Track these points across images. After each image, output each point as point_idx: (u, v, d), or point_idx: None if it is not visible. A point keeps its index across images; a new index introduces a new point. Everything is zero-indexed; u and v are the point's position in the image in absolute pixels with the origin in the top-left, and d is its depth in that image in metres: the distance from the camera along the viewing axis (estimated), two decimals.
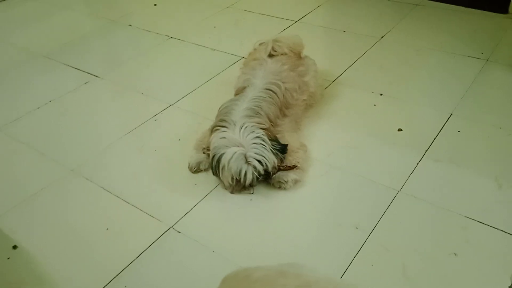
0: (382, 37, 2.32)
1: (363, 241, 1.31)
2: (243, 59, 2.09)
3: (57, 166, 1.68)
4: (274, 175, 1.48)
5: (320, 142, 1.67)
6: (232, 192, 1.49)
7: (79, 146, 1.77)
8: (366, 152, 1.62)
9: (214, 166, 1.46)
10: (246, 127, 1.45)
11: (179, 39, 2.48)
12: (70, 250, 1.37)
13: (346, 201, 1.45)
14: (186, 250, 1.33)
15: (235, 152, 1.41)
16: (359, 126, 1.74)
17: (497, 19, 2.39)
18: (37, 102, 2.05)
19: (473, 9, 2.48)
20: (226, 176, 1.45)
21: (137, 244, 1.36)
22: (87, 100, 2.06)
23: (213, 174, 1.49)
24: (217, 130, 1.49)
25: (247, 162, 1.41)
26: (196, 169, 1.58)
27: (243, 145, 1.42)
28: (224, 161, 1.42)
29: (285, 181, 1.48)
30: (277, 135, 1.53)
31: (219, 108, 1.60)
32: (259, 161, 1.41)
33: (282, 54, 1.76)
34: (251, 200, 1.48)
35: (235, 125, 1.46)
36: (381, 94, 1.90)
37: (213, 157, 1.45)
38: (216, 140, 1.46)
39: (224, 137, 1.45)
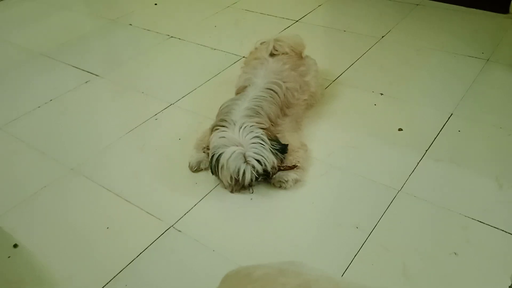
0: (382, 36, 2.32)
1: (363, 241, 1.31)
2: (244, 58, 2.09)
3: (57, 165, 1.68)
4: (274, 175, 1.48)
5: (321, 142, 1.67)
6: (231, 192, 1.49)
7: (80, 145, 1.77)
8: (366, 152, 1.62)
9: (213, 165, 1.46)
10: (246, 127, 1.45)
11: (179, 39, 2.48)
12: (71, 249, 1.37)
13: (347, 200, 1.45)
14: (186, 249, 1.33)
15: (234, 152, 1.41)
16: (360, 126, 1.74)
17: (498, 19, 2.39)
18: (37, 101, 2.05)
19: (474, 9, 2.48)
20: (225, 176, 1.45)
21: (138, 243, 1.36)
22: (87, 99, 2.06)
23: (212, 173, 1.49)
24: (217, 129, 1.49)
25: (246, 161, 1.41)
26: (196, 169, 1.58)
27: (242, 145, 1.42)
28: (223, 160, 1.42)
29: (285, 181, 1.48)
30: (277, 135, 1.53)
31: (220, 107, 1.60)
32: (258, 160, 1.41)
33: (283, 54, 1.76)
34: (251, 199, 1.48)
35: (234, 124, 1.46)
36: (382, 94, 1.90)
37: (212, 156, 1.45)
38: (215, 139, 1.46)
39: (224, 137, 1.45)
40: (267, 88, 1.59)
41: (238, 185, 1.47)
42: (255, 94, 1.57)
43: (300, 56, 1.81)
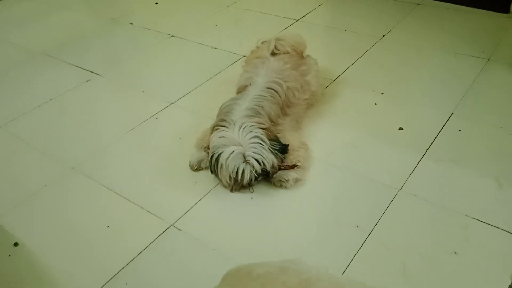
0: (383, 36, 2.32)
1: (363, 240, 1.31)
2: (244, 57, 2.09)
3: (57, 164, 1.68)
4: (274, 174, 1.48)
5: (321, 141, 1.67)
6: (231, 191, 1.50)
7: (80, 144, 1.78)
8: (366, 151, 1.62)
9: (213, 164, 1.46)
10: (245, 126, 1.45)
11: (180, 38, 2.48)
12: (71, 247, 1.37)
13: (347, 200, 1.45)
14: (186, 248, 1.34)
15: (233, 151, 1.41)
16: (360, 125, 1.74)
17: (498, 19, 2.39)
18: (37, 100, 2.05)
19: (474, 9, 2.48)
20: (224, 175, 1.45)
21: (138, 242, 1.36)
22: (87, 98, 2.06)
23: (212, 172, 1.49)
24: (217, 129, 1.49)
25: (245, 161, 1.42)
26: (196, 168, 1.58)
27: (242, 145, 1.42)
28: (222, 160, 1.43)
29: (285, 180, 1.48)
30: (277, 134, 1.53)
31: (220, 107, 1.60)
32: (257, 160, 1.41)
33: (284, 53, 1.76)
34: (251, 198, 1.48)
35: (234, 124, 1.46)
36: (382, 93, 1.90)
37: (212, 155, 1.46)
38: (215, 139, 1.46)
39: (223, 136, 1.45)
40: (268, 88, 1.59)
41: (238, 185, 1.47)
42: (256, 93, 1.57)
43: (301, 55, 1.81)
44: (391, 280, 1.21)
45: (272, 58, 1.73)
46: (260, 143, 1.43)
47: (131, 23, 2.69)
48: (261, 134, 1.44)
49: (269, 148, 1.44)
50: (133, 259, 1.31)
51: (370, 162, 1.57)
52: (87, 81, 2.17)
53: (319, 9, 2.66)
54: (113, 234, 1.40)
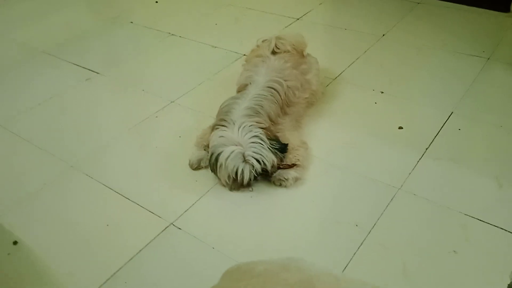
0: (383, 35, 2.32)
1: (362, 239, 1.31)
2: (244, 56, 2.09)
3: (57, 162, 1.68)
4: (274, 174, 1.48)
5: (321, 140, 1.67)
6: (230, 190, 1.50)
7: (80, 142, 1.78)
8: (366, 150, 1.62)
9: (212, 164, 1.46)
10: (245, 126, 1.45)
11: (180, 37, 2.48)
12: (70, 246, 1.37)
13: (346, 198, 1.45)
14: (186, 247, 1.34)
15: (233, 151, 1.41)
16: (360, 124, 1.74)
17: (498, 18, 2.39)
18: (37, 99, 2.05)
19: (474, 8, 2.48)
20: (223, 175, 1.45)
21: (137, 240, 1.36)
22: (87, 96, 2.06)
23: (212, 171, 1.49)
24: (217, 129, 1.49)
25: (245, 161, 1.42)
26: (196, 166, 1.58)
27: (241, 144, 1.42)
28: (221, 159, 1.43)
29: (285, 179, 1.48)
30: (277, 134, 1.53)
31: (220, 106, 1.60)
32: (257, 160, 1.41)
33: (285, 52, 1.76)
34: (251, 197, 1.48)
35: (234, 124, 1.46)
36: (382, 92, 1.90)
37: (211, 155, 1.46)
38: (215, 138, 1.47)
39: (223, 136, 1.45)
40: (268, 87, 1.59)
41: (236, 184, 1.47)
42: (256, 92, 1.57)
43: (301, 54, 1.81)
44: (390, 279, 1.21)
45: (272, 57, 1.73)
46: (260, 143, 1.43)
47: (131, 22, 2.69)
48: (260, 133, 1.44)
49: (268, 148, 1.44)
50: (133, 257, 1.31)
51: (369, 161, 1.57)
52: (87, 79, 2.16)
53: (319, 8, 2.65)
54: (112, 233, 1.40)
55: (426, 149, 1.60)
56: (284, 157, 1.50)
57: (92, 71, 2.23)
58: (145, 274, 1.27)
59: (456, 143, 1.62)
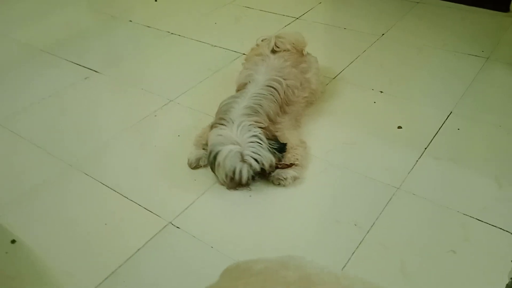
0: (382, 34, 2.31)
1: (361, 238, 1.31)
2: (243, 55, 2.09)
3: (56, 161, 1.68)
4: (273, 173, 1.48)
5: (320, 139, 1.67)
6: (228, 189, 1.50)
7: (79, 141, 1.77)
8: (365, 149, 1.62)
9: (211, 162, 1.46)
10: (244, 125, 1.45)
11: (179, 35, 2.48)
12: (69, 244, 1.37)
13: (345, 198, 1.45)
14: (184, 246, 1.33)
15: (231, 150, 1.41)
16: (359, 124, 1.74)
17: (498, 18, 2.39)
18: (36, 97, 2.04)
19: (474, 7, 2.48)
20: (220, 174, 1.45)
21: (136, 239, 1.36)
22: (87, 95, 2.06)
23: (211, 170, 1.49)
24: (215, 128, 1.49)
25: (243, 160, 1.42)
26: (195, 165, 1.58)
27: (240, 144, 1.42)
28: (219, 158, 1.42)
29: (284, 178, 1.48)
30: (276, 133, 1.53)
31: (220, 105, 1.59)
32: (255, 159, 1.41)
33: (284, 51, 1.76)
34: (250, 196, 1.48)
35: (233, 123, 1.46)
36: (381, 92, 1.90)
37: (210, 153, 1.46)
38: (213, 137, 1.46)
39: (221, 135, 1.45)
40: (267, 86, 1.59)
41: (234, 183, 1.47)
42: (255, 91, 1.56)
43: (301, 53, 1.81)
44: (389, 278, 1.21)
45: (272, 56, 1.73)
46: (258, 142, 1.42)
47: (131, 21, 2.68)
48: (259, 133, 1.44)
49: (267, 147, 1.43)
50: (131, 256, 1.31)
51: (369, 160, 1.57)
52: (86, 78, 2.16)
53: (319, 7, 2.65)
54: (111, 232, 1.40)
55: (425, 148, 1.60)
56: (282, 156, 1.50)
57: (92, 70, 2.23)
58: (144, 273, 1.27)
59: (456, 143, 1.62)
